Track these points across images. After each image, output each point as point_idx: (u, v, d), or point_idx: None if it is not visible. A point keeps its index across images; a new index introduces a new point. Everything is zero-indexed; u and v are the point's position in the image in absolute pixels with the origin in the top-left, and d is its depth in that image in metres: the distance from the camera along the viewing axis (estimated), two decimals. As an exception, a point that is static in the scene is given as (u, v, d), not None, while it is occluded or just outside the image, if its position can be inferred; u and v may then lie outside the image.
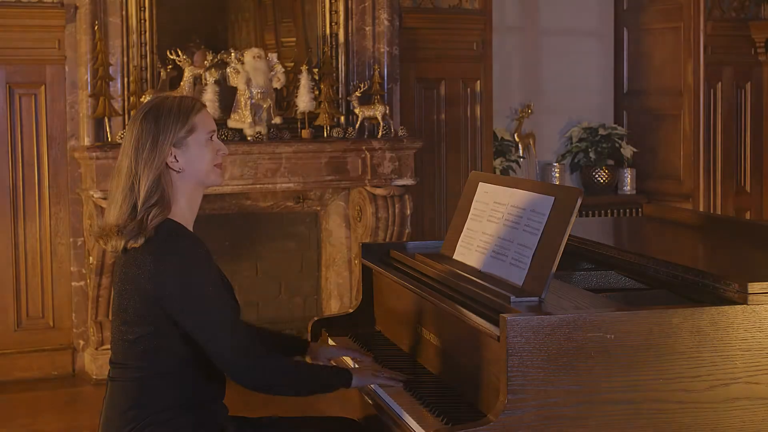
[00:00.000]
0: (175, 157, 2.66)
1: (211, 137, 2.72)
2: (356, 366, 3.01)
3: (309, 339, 3.53)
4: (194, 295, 2.59)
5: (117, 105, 5.52)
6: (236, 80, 5.60)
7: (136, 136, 2.65)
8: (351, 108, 5.91)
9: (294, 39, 6.13)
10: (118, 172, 2.67)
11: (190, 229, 2.71)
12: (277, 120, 5.70)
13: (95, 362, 5.64)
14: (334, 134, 5.83)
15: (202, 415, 2.69)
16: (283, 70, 5.73)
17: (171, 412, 2.65)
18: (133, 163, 2.64)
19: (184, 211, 2.70)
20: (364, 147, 5.84)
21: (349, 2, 5.96)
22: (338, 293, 6.21)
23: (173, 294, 2.59)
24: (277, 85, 5.71)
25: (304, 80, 5.73)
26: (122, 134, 5.40)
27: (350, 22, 5.98)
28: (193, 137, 2.68)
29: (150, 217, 2.61)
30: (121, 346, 2.69)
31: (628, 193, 7.42)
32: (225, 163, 2.86)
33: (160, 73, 5.65)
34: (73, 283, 5.77)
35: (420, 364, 3.04)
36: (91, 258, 5.58)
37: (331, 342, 3.39)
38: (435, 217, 6.52)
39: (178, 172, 2.67)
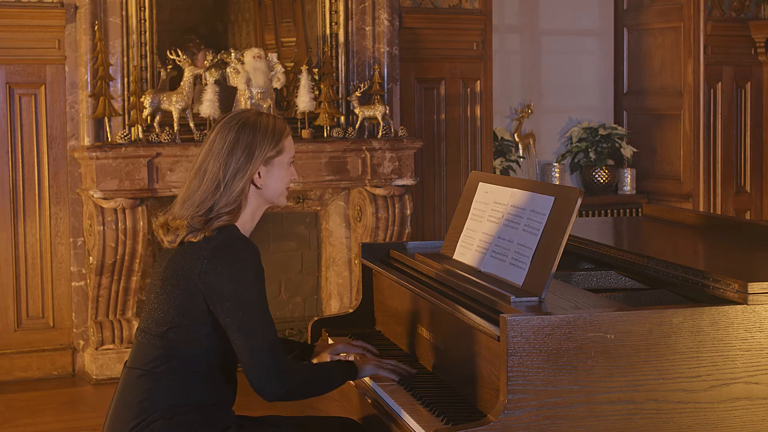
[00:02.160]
0: (260, 173, 2.75)
1: (291, 162, 2.83)
2: (359, 359, 3.02)
3: (309, 340, 3.54)
4: (242, 299, 2.63)
5: (117, 105, 5.52)
6: (236, 80, 5.60)
7: (231, 144, 2.72)
8: (351, 108, 5.91)
9: (294, 39, 6.13)
10: (200, 173, 2.73)
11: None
12: (277, 120, 5.70)
13: (95, 362, 5.64)
14: (334, 134, 5.83)
15: (209, 415, 2.71)
16: (283, 70, 5.72)
17: (181, 409, 2.67)
18: (223, 169, 2.70)
19: (246, 223, 2.78)
20: (364, 147, 5.84)
21: (349, 2, 5.96)
22: (338, 293, 6.21)
23: (222, 292, 2.62)
24: (277, 85, 5.71)
25: (304, 80, 5.73)
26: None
27: (350, 22, 5.99)
28: (279, 159, 2.78)
29: (219, 221, 2.69)
30: (147, 337, 2.72)
31: (628, 193, 7.42)
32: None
33: (160, 73, 5.65)
34: (73, 283, 5.77)
35: (420, 364, 3.04)
36: (91, 258, 5.58)
37: (331, 342, 3.39)
38: (435, 217, 6.52)
39: (258, 188, 2.76)
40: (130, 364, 2.76)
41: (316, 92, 5.83)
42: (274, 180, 2.79)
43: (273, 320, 2.71)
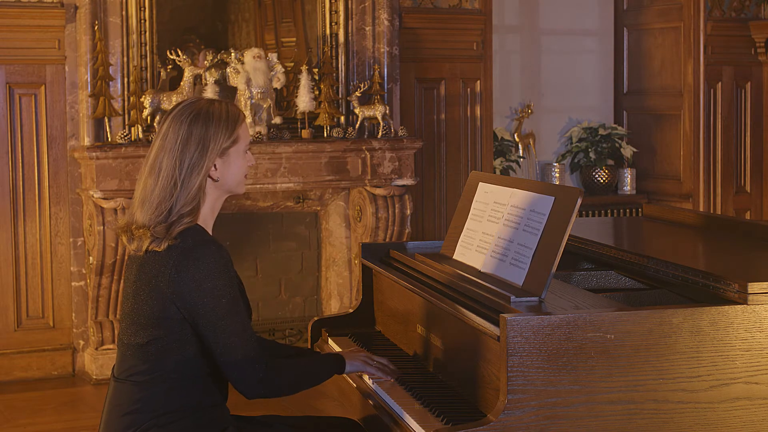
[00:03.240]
0: (215, 166, 2.66)
1: (247, 149, 2.73)
2: (348, 351, 3.01)
3: (309, 340, 3.54)
4: (212, 303, 2.59)
5: (117, 105, 5.52)
6: (236, 80, 5.60)
7: (184, 138, 2.62)
8: (351, 108, 5.91)
9: (294, 39, 6.12)
10: (155, 171, 2.63)
11: (210, 231, 2.71)
12: (277, 120, 5.71)
13: (95, 362, 5.64)
14: (334, 134, 5.83)
15: (204, 419, 2.69)
16: (283, 70, 5.73)
17: (173, 415, 2.65)
18: (178, 165, 2.61)
19: (206, 217, 2.70)
20: (364, 147, 5.84)
21: (349, 2, 5.96)
22: (338, 293, 6.21)
23: (193, 299, 2.58)
24: (277, 85, 5.71)
25: (304, 80, 5.73)
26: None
27: (350, 22, 5.99)
28: (235, 148, 2.69)
29: (180, 224, 2.61)
30: (129, 348, 2.68)
31: (628, 193, 7.42)
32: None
33: (160, 73, 5.65)
34: (73, 283, 5.77)
35: (420, 364, 3.04)
36: (91, 258, 5.58)
37: (331, 342, 3.39)
38: (435, 217, 6.52)
39: (215, 180, 2.67)
40: (116, 374, 2.72)
41: (316, 92, 5.83)
42: (232, 170, 2.68)
43: (248, 318, 2.67)
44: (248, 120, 5.58)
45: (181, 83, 5.53)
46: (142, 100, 5.45)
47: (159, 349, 2.63)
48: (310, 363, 2.91)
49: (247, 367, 2.63)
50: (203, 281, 2.58)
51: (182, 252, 2.60)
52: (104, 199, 5.41)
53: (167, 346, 2.63)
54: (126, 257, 2.90)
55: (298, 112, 5.79)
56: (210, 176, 2.65)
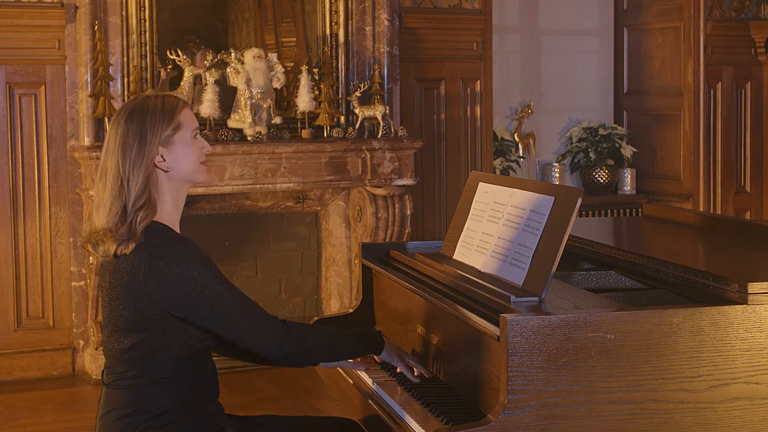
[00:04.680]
0: (162, 156, 2.64)
1: (195, 135, 2.70)
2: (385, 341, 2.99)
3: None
4: (204, 292, 2.58)
5: (117, 105, 5.52)
6: (236, 80, 5.60)
7: (122, 137, 2.62)
8: (351, 108, 5.91)
9: (294, 39, 6.13)
10: (103, 175, 2.64)
11: (177, 229, 2.69)
12: (277, 120, 5.71)
13: (95, 362, 5.64)
14: (334, 134, 5.83)
15: (198, 417, 2.68)
16: (283, 70, 5.73)
17: (168, 416, 2.63)
18: (121, 163, 2.60)
19: (171, 212, 2.68)
20: (364, 147, 5.84)
21: (349, 2, 5.96)
22: (338, 293, 6.21)
23: (179, 296, 2.57)
24: (277, 85, 5.71)
25: (304, 80, 5.73)
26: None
27: (350, 22, 5.99)
28: (179, 135, 2.66)
29: (138, 220, 2.59)
30: (114, 354, 2.67)
31: (628, 193, 7.42)
32: (209, 160, 2.85)
33: (160, 73, 5.65)
34: (73, 283, 5.77)
35: (420, 364, 3.03)
36: (91, 258, 5.58)
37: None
38: (435, 217, 6.52)
39: (166, 171, 2.65)
40: (106, 380, 2.70)
41: (316, 92, 5.83)
42: (181, 158, 2.66)
43: (240, 290, 2.66)
44: (248, 120, 5.58)
45: (181, 83, 5.54)
46: (142, 100, 5.45)
47: (144, 352, 2.61)
48: (344, 331, 2.91)
49: (264, 330, 2.63)
50: (181, 277, 2.56)
51: (150, 253, 2.58)
52: (104, 199, 5.40)
53: (152, 348, 2.61)
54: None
55: (298, 112, 5.79)
56: (158, 167, 2.64)
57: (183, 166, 2.67)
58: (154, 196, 2.63)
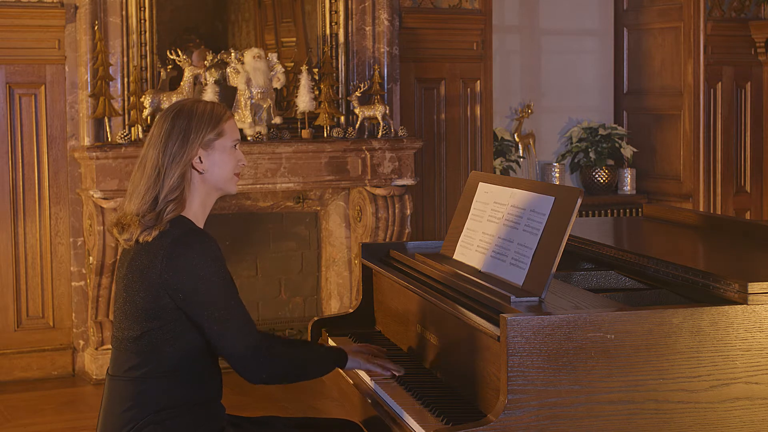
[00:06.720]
0: (200, 158, 2.71)
1: (235, 146, 2.78)
2: (353, 347, 3.02)
3: (309, 340, 3.53)
4: (208, 289, 2.62)
5: (117, 105, 5.52)
6: (236, 80, 5.60)
7: (167, 131, 2.71)
8: (351, 108, 5.91)
9: (294, 39, 6.13)
10: (142, 164, 2.73)
11: (202, 228, 2.75)
12: (277, 120, 5.71)
13: (95, 362, 5.64)
14: (334, 134, 5.83)
15: (201, 415, 2.69)
16: (283, 70, 5.73)
17: (170, 412, 2.65)
18: (161, 156, 2.69)
19: (197, 212, 2.76)
20: (364, 147, 5.84)
21: (349, 2, 5.96)
22: (338, 293, 6.21)
23: (187, 287, 2.61)
24: (277, 85, 5.71)
25: (304, 80, 5.73)
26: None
27: (350, 22, 5.98)
28: (220, 142, 2.74)
29: (167, 211, 2.66)
30: (122, 343, 2.69)
31: (628, 193, 7.42)
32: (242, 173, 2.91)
33: (160, 73, 5.65)
34: (73, 283, 5.77)
35: (420, 364, 3.04)
36: (91, 258, 5.58)
37: (331, 342, 3.39)
38: (435, 217, 6.52)
39: (201, 173, 2.72)
40: (111, 372, 2.73)
41: (316, 92, 5.83)
42: (217, 164, 2.74)
43: (243, 304, 2.69)
44: (248, 120, 5.58)
45: (181, 83, 5.54)
46: (142, 100, 5.45)
47: (153, 341, 2.64)
48: (312, 351, 2.93)
49: (248, 353, 2.65)
50: (196, 269, 2.61)
51: (173, 241, 2.64)
52: (104, 199, 5.41)
53: (161, 338, 2.64)
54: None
55: (298, 112, 5.79)
56: (195, 168, 2.71)
57: (218, 172, 2.75)
58: (186, 194, 2.71)
